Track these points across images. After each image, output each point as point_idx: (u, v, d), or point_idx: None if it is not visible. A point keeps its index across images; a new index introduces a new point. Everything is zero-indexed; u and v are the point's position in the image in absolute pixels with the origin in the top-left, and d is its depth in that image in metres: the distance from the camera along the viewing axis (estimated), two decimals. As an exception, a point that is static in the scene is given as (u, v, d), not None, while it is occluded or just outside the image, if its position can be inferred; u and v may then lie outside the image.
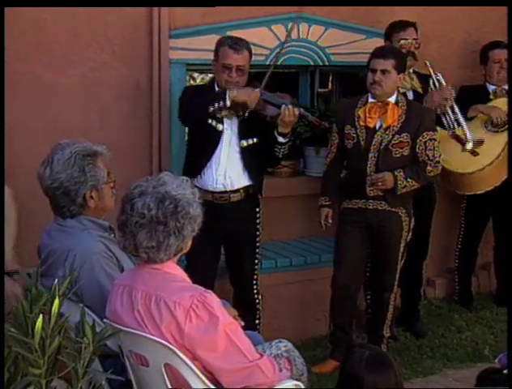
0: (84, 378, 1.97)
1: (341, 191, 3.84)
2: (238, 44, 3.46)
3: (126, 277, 2.34)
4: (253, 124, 3.49)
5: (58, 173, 2.50)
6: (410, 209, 3.78)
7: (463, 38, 4.88)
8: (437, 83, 4.14)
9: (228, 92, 3.39)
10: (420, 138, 3.66)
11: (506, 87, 4.60)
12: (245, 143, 3.52)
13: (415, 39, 4.12)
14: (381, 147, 3.65)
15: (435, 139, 3.70)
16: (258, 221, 3.68)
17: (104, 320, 2.30)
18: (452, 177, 4.21)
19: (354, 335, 3.96)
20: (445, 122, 4.17)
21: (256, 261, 3.71)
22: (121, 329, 2.21)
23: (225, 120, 3.52)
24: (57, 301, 1.96)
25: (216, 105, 3.38)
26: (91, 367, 2.01)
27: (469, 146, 4.21)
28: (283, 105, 3.41)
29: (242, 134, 3.51)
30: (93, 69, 3.79)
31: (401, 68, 3.67)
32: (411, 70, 4.15)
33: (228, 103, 3.39)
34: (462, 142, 4.23)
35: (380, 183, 3.62)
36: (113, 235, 2.53)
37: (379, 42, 4.15)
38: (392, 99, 3.67)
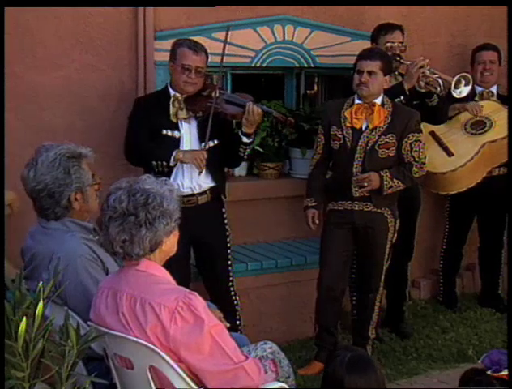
0: (68, 381, 1.96)
1: (327, 193, 3.85)
2: (197, 46, 3.48)
3: (111, 280, 2.33)
4: (213, 125, 3.48)
5: (43, 174, 2.49)
6: (395, 210, 3.80)
7: (447, 41, 4.91)
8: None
9: (173, 154, 3.40)
10: (406, 139, 3.68)
11: (493, 89, 4.65)
12: (206, 146, 3.52)
13: (401, 42, 4.13)
14: (368, 147, 3.66)
15: (420, 141, 3.72)
16: (225, 222, 3.70)
17: (89, 323, 2.29)
18: (427, 176, 4.23)
19: (339, 337, 3.97)
20: (438, 90, 3.96)
21: (229, 262, 3.71)
22: (105, 332, 2.20)
23: (183, 125, 3.52)
24: (40, 304, 1.95)
25: (159, 163, 3.39)
26: (75, 370, 2.01)
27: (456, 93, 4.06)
28: (248, 104, 3.43)
29: (203, 137, 3.50)
30: (78, 70, 3.77)
31: (387, 70, 3.69)
32: (396, 73, 4.17)
33: (172, 163, 3.41)
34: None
35: (366, 183, 3.63)
36: (97, 237, 2.52)
37: (364, 44, 4.16)
38: (378, 100, 3.69)
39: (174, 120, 3.50)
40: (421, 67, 3.92)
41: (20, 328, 1.88)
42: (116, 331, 2.20)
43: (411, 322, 4.47)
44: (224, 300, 3.59)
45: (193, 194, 3.52)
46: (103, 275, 2.48)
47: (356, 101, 3.70)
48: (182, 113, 3.51)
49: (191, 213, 3.43)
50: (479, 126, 4.42)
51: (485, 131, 4.38)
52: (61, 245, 2.46)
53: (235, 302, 3.72)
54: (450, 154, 4.33)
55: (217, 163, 3.60)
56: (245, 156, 3.64)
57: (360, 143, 3.67)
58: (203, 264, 3.70)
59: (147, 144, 3.45)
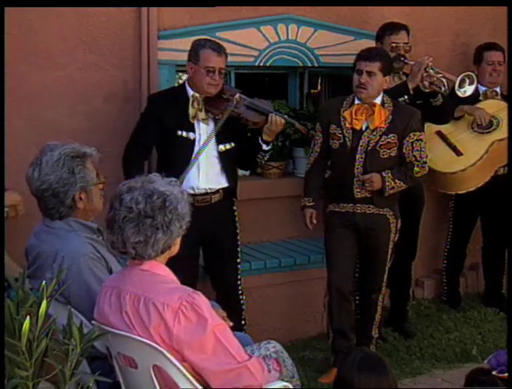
0: (72, 380, 1.96)
1: (326, 192, 3.82)
2: (220, 48, 3.48)
3: (115, 279, 2.33)
4: (230, 129, 3.49)
5: (47, 174, 2.49)
6: (396, 210, 3.78)
7: (451, 40, 4.90)
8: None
9: None
10: (407, 138, 3.65)
11: (498, 89, 4.63)
12: (223, 148, 3.54)
13: (406, 43, 4.11)
14: (369, 148, 3.63)
15: (422, 140, 3.70)
16: (236, 219, 3.71)
17: (92, 322, 2.29)
18: (435, 176, 4.22)
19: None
20: (442, 90, 3.92)
21: (238, 260, 3.72)
22: (109, 331, 2.20)
23: (199, 126, 3.52)
24: (44, 303, 1.96)
25: None
26: (79, 369, 2.01)
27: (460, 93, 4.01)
28: (271, 114, 3.45)
29: (219, 139, 3.51)
30: (81, 70, 3.77)
31: (387, 70, 3.65)
32: (400, 72, 4.16)
33: None
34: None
35: (367, 184, 3.62)
36: (101, 237, 2.52)
37: (368, 43, 4.15)
38: (378, 100, 3.65)
39: (193, 121, 3.50)
40: (426, 68, 3.90)
41: (24, 327, 1.88)
42: (119, 330, 2.20)
43: (414, 322, 4.46)
44: (231, 298, 3.60)
45: (206, 193, 3.54)
46: (106, 274, 2.48)
47: (356, 101, 3.67)
48: (201, 114, 3.50)
49: (205, 212, 3.45)
50: (486, 124, 4.40)
51: (493, 130, 4.37)
52: (66, 245, 2.46)
53: (241, 302, 3.73)
54: (458, 153, 4.31)
55: (231, 164, 3.63)
56: (263, 162, 3.70)
57: (360, 144, 3.63)
58: (213, 262, 3.70)
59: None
